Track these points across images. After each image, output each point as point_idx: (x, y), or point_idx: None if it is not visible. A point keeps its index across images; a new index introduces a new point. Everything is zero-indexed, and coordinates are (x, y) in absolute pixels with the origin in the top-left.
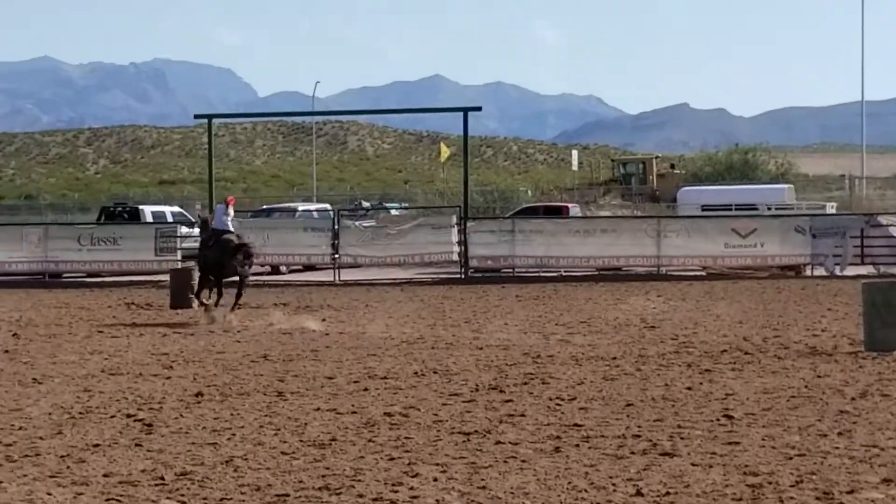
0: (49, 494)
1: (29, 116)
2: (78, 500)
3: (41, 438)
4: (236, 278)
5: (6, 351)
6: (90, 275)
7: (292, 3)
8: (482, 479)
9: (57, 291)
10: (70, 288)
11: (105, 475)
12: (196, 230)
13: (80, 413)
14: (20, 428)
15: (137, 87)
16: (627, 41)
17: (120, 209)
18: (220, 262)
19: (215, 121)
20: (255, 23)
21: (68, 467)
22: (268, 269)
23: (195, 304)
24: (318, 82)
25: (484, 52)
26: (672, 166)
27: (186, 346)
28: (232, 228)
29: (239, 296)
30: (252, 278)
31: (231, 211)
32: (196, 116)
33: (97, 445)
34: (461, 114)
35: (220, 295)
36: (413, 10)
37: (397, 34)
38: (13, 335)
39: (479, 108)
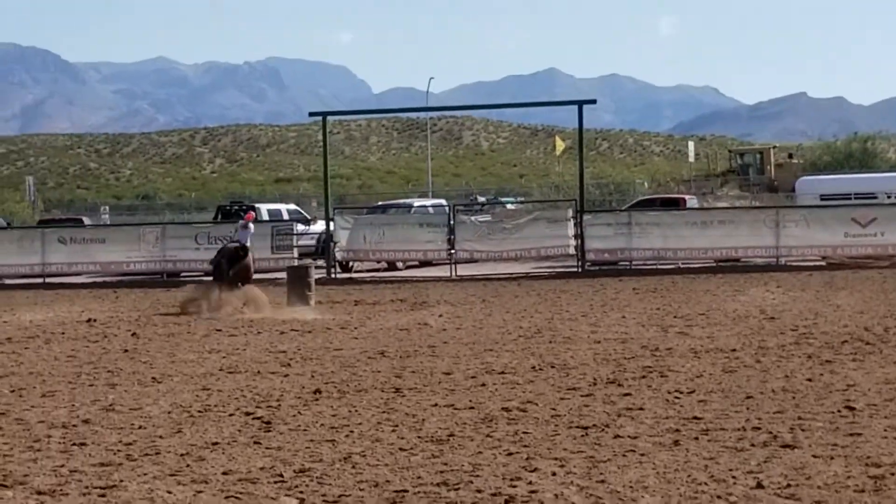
0: (169, 493)
1: (145, 117)
2: (198, 497)
3: (161, 437)
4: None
5: (126, 350)
6: (207, 274)
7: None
8: (601, 473)
9: (175, 291)
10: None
11: (224, 473)
12: (311, 227)
13: (200, 411)
14: (140, 427)
15: (252, 85)
16: (744, 31)
17: (236, 208)
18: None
19: (330, 118)
20: (369, 20)
21: (188, 465)
22: (384, 265)
23: (312, 301)
24: (432, 78)
25: (599, 44)
26: (790, 156)
27: (304, 344)
28: (248, 244)
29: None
30: (368, 275)
31: (251, 227)
32: (311, 114)
33: (216, 443)
34: (576, 107)
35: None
36: (527, 4)
37: (511, 28)
38: (132, 334)
39: (593, 101)
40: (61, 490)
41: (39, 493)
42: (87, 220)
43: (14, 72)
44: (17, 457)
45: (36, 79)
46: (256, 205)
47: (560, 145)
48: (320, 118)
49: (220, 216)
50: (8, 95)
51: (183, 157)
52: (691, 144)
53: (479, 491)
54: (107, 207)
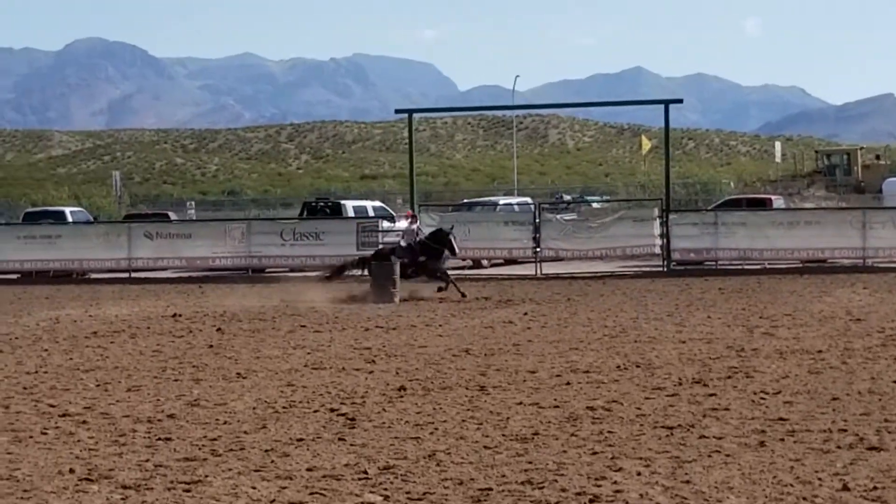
0: (254, 488)
1: (231, 113)
2: (282, 493)
3: (245, 433)
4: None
5: (210, 346)
6: (293, 269)
7: None
8: (686, 474)
9: (260, 286)
10: (273, 282)
11: (309, 469)
12: (397, 224)
13: (284, 407)
14: (225, 422)
15: (338, 82)
16: (832, 31)
17: (322, 204)
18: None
19: (416, 115)
20: (456, 17)
21: (272, 461)
22: (469, 262)
23: (397, 298)
24: (518, 76)
25: (685, 43)
26: (877, 157)
27: (388, 341)
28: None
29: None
30: (453, 272)
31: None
32: (397, 111)
33: (301, 440)
34: (662, 106)
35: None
36: (614, 2)
37: (598, 26)
38: (217, 330)
39: (680, 101)
40: (146, 484)
41: (125, 487)
42: (173, 216)
43: (101, 67)
44: (103, 451)
45: (123, 74)
46: (342, 201)
47: (646, 144)
48: (406, 115)
49: (305, 212)
50: (95, 91)
51: (269, 154)
52: (778, 145)
53: (563, 490)
54: (193, 203)
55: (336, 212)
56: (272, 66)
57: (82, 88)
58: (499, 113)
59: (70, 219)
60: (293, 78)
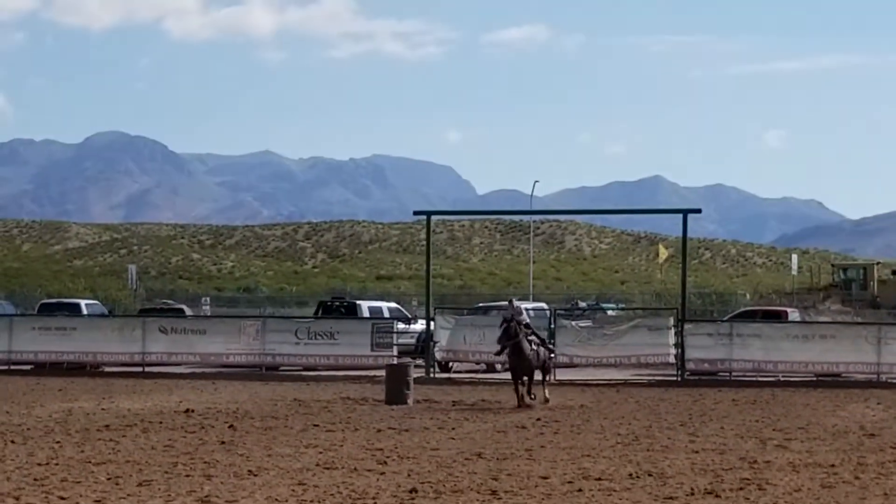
0: None
1: (249, 209)
2: None
3: None
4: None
5: (222, 442)
6: (306, 368)
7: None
8: None
9: (273, 384)
10: (286, 381)
11: None
12: (412, 326)
13: None
14: None
15: (357, 182)
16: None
17: (337, 304)
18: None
19: (434, 217)
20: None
21: None
22: (483, 366)
23: (410, 400)
24: (536, 181)
25: (705, 154)
26: (894, 272)
27: (401, 442)
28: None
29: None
30: (467, 375)
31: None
32: (415, 213)
33: None
34: (680, 215)
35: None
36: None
37: (618, 134)
38: (229, 427)
39: (698, 211)
40: None
41: None
42: (188, 311)
43: (121, 160)
44: None
45: (142, 168)
46: (358, 301)
47: (663, 253)
48: (424, 217)
49: (321, 311)
50: (114, 184)
51: (285, 251)
52: (794, 257)
53: None
54: (208, 299)
55: (351, 312)
56: (291, 164)
57: (101, 181)
58: (516, 217)
59: (85, 311)
60: (312, 177)
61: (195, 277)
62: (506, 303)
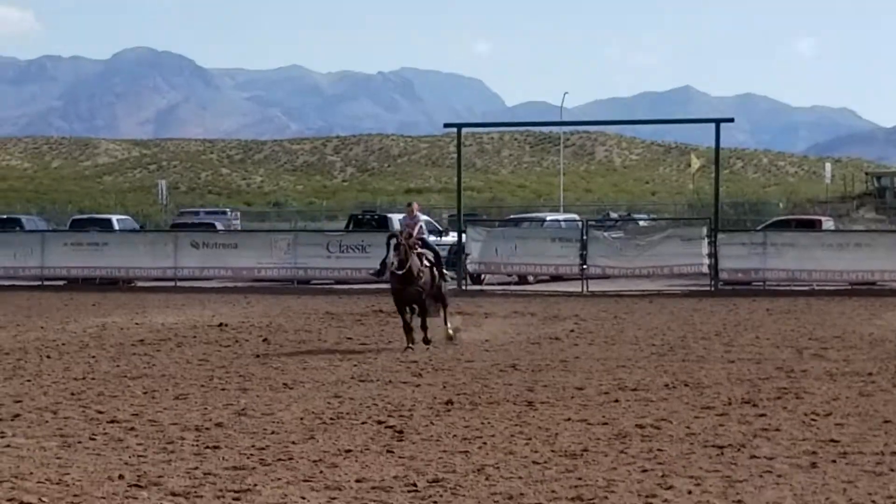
0: (303, 498)
1: (278, 124)
2: (331, 503)
3: (293, 443)
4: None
5: (257, 356)
6: (338, 282)
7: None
8: (737, 493)
9: (305, 298)
10: (318, 294)
11: (358, 480)
12: (444, 239)
13: (331, 419)
14: (273, 432)
15: (385, 96)
16: (884, 52)
17: (368, 217)
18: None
19: (463, 130)
20: (506, 33)
21: (321, 472)
22: (515, 278)
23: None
24: (566, 93)
25: (735, 63)
26: None
27: (435, 355)
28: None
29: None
30: (499, 287)
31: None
32: (445, 125)
33: (349, 451)
34: (710, 125)
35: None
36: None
37: (647, 45)
38: (263, 340)
39: (731, 120)
40: (195, 492)
41: (174, 494)
42: (219, 226)
43: (149, 76)
44: (152, 458)
45: (171, 84)
46: (388, 215)
47: (695, 163)
48: (454, 130)
49: (352, 225)
50: (142, 100)
51: (314, 166)
52: (828, 166)
53: None
54: (238, 213)
55: (382, 225)
56: (320, 78)
57: (130, 97)
58: (546, 129)
59: (117, 227)
60: (340, 91)
61: (224, 192)
62: (535, 215)
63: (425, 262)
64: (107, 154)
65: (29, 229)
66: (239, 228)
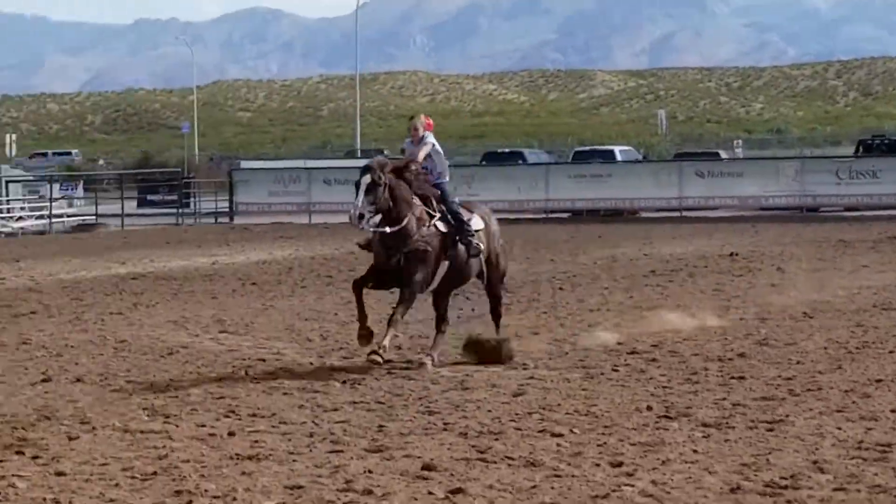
0: (839, 429)
1: (775, 50)
2: (869, 434)
3: (820, 373)
4: None
5: (773, 285)
6: (848, 208)
7: None
8: None
9: (815, 225)
10: (828, 222)
11: (893, 410)
12: None
13: (857, 348)
14: (798, 362)
15: (888, 18)
16: None
17: (878, 142)
18: None
19: None
20: None
21: (853, 402)
22: None
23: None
24: None
25: None
26: None
27: None
28: None
29: None
30: None
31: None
32: None
33: (879, 381)
34: None
35: None
36: None
37: None
38: (777, 269)
39: None
40: (727, 423)
41: (705, 425)
42: (723, 154)
43: (645, 5)
44: (677, 388)
45: (665, 12)
46: None
47: None
48: None
49: (861, 150)
50: (637, 30)
51: (815, 91)
52: None
53: None
54: (740, 142)
55: (894, 150)
56: (818, 1)
57: (624, 28)
58: None
59: (619, 158)
60: (840, 14)
61: (724, 121)
62: None
63: (434, 226)
64: (603, 85)
65: (532, 162)
66: (741, 156)
